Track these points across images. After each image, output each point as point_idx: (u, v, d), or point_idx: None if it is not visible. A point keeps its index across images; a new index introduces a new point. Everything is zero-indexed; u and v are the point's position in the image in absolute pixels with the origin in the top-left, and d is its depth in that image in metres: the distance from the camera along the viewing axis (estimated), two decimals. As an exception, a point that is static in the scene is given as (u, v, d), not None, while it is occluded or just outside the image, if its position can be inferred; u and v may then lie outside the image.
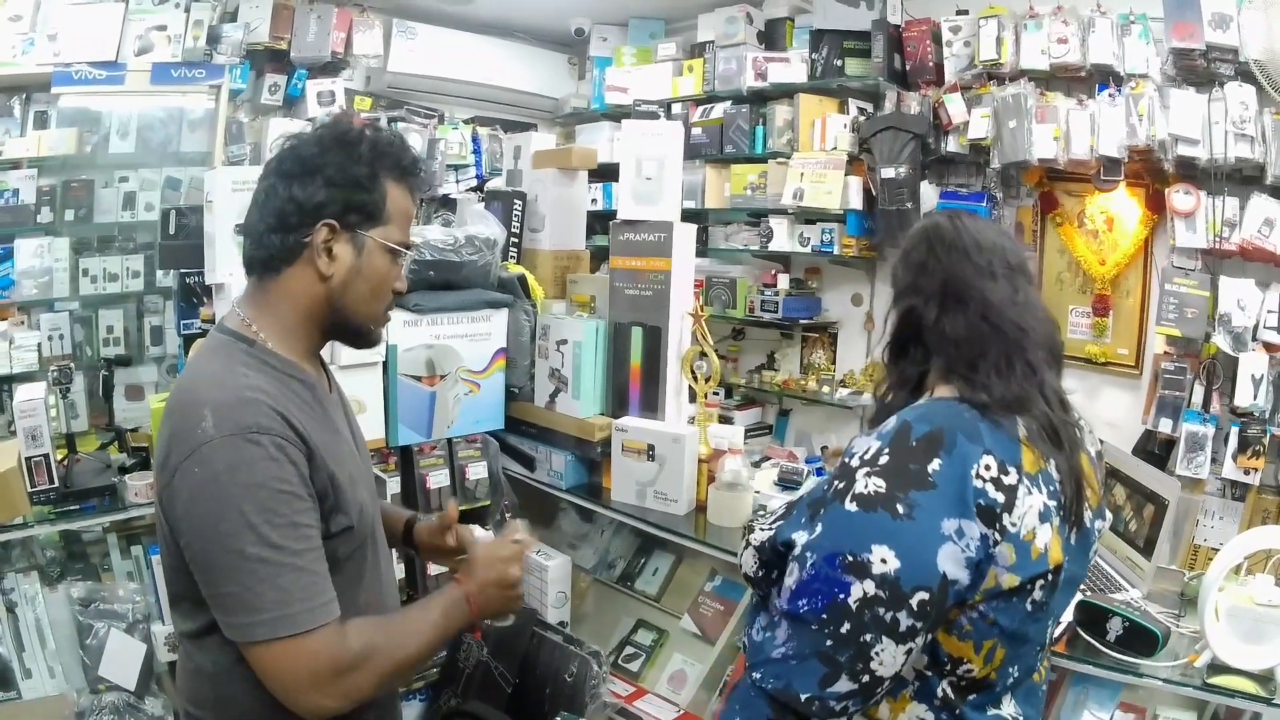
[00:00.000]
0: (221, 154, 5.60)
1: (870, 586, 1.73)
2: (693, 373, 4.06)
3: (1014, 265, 2.07)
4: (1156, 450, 4.95)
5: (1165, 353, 5.01)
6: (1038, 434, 1.90)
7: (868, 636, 1.74)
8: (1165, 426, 4.90)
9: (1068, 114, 5.07)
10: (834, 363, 6.62)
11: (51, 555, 4.29)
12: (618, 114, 6.75)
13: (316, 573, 1.93)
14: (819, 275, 6.59)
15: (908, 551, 1.74)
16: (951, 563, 1.74)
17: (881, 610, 1.73)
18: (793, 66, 6.14)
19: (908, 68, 5.78)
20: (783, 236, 6.15)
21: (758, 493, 3.99)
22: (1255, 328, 4.67)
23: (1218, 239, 4.72)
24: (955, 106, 5.43)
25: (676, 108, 6.72)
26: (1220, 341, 4.71)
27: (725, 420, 4.81)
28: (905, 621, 1.74)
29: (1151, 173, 5.05)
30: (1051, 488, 1.89)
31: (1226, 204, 4.69)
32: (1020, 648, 1.93)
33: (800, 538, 1.89)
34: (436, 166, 6.49)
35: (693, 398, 4.16)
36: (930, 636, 1.84)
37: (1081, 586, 3.26)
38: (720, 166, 6.52)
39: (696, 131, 6.51)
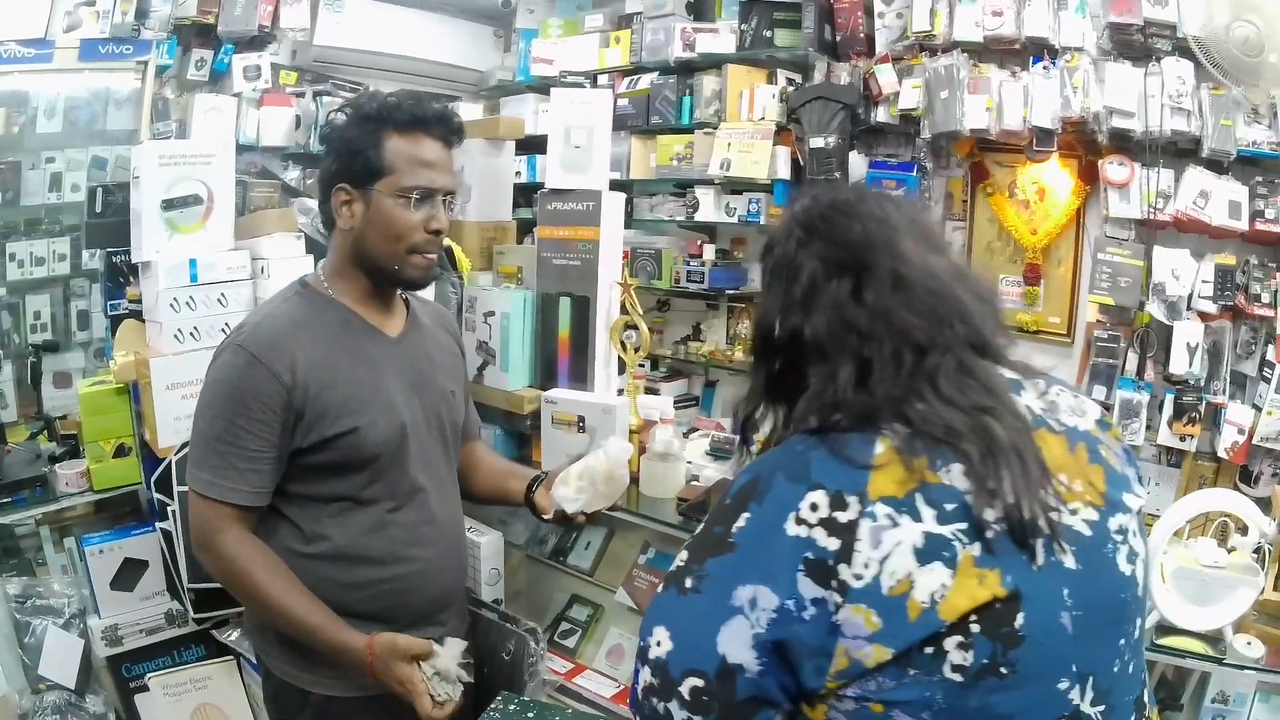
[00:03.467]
0: (148, 131, 5.27)
1: (648, 674, 1.45)
2: (622, 343, 3.89)
3: (900, 223, 1.60)
4: None
5: (1098, 321, 4.93)
6: (917, 437, 1.39)
7: None
8: (1099, 394, 4.81)
9: (1000, 85, 4.96)
10: (760, 332, 6.34)
11: (-17, 551, 4.04)
12: (543, 86, 6.47)
13: (232, 464, 2.35)
14: (745, 245, 6.39)
15: (682, 631, 1.42)
16: (736, 643, 1.36)
17: (655, 700, 1.43)
18: (721, 37, 5.92)
19: (838, 39, 5.60)
20: (709, 207, 5.97)
21: (689, 463, 3.87)
22: (1190, 297, 4.63)
23: (1152, 210, 4.66)
24: (886, 77, 5.27)
25: (603, 79, 6.50)
26: (1154, 310, 4.65)
27: (651, 392, 4.65)
28: (679, 715, 1.40)
29: (1084, 144, 4.97)
30: (952, 504, 1.33)
31: (1161, 176, 4.63)
32: None
33: None
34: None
35: (622, 369, 3.99)
36: None
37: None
38: (646, 138, 6.31)
39: (623, 103, 6.28)
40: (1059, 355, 5.29)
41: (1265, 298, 4.48)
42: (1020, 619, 1.31)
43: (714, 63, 5.99)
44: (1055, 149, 4.96)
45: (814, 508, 1.35)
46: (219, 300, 3.72)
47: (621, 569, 3.91)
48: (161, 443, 3.61)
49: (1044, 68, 4.85)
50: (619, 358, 3.95)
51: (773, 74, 5.82)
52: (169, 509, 3.57)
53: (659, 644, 1.43)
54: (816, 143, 5.37)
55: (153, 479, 3.66)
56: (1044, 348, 5.33)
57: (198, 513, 2.40)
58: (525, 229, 4.82)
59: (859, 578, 1.30)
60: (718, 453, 4.10)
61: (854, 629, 1.30)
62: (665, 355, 6.55)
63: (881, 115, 5.38)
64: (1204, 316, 4.58)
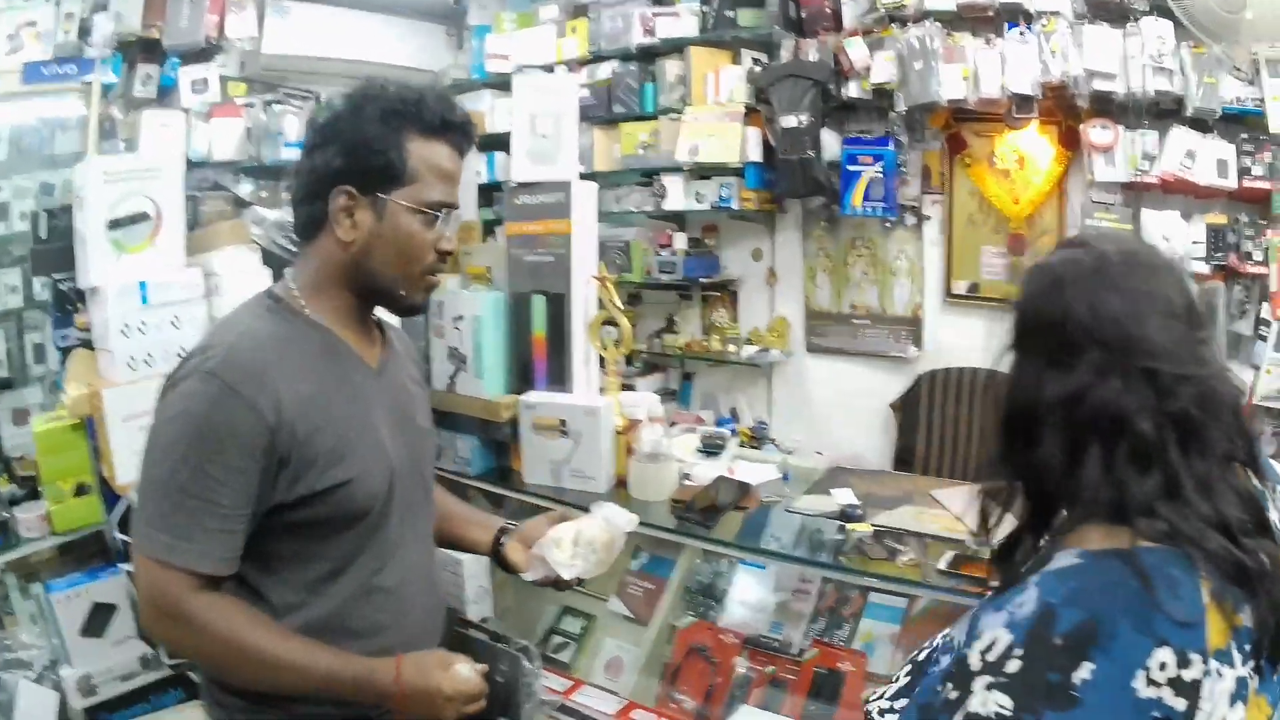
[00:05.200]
0: (95, 152, 5.05)
1: None
2: (601, 340, 3.71)
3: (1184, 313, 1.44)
4: None
5: None
6: (1224, 581, 1.31)
7: None
8: None
9: (976, 54, 4.88)
10: (736, 321, 6.31)
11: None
12: (499, 82, 6.34)
13: (200, 523, 1.89)
14: (716, 233, 6.27)
15: None
16: None
17: None
18: (683, 20, 5.76)
19: (804, 15, 5.48)
20: (677, 195, 5.81)
21: (680, 461, 3.72)
22: (1181, 259, 4.35)
23: (1138, 172, 4.62)
24: (857, 51, 5.15)
25: (560, 71, 6.25)
26: None
27: (628, 388, 4.46)
28: None
29: (1065, 109, 4.93)
30: (1247, 647, 1.31)
31: (1146, 137, 4.61)
32: None
33: None
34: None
35: (601, 366, 3.82)
36: None
37: None
38: (608, 128, 6.14)
39: (583, 94, 5.99)
40: None
41: (1257, 255, 4.46)
42: None
43: (676, 47, 5.83)
44: (1035, 115, 4.90)
45: (1162, 667, 1.23)
46: (172, 323, 3.55)
47: (613, 576, 3.73)
48: (120, 479, 3.46)
49: (1020, 33, 4.76)
50: (599, 355, 3.77)
51: (738, 55, 5.69)
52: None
53: None
54: (788, 122, 5.26)
55: (115, 519, 3.53)
56: None
57: (153, 581, 1.92)
58: (486, 230, 4.71)
59: None
60: (709, 449, 4.01)
61: None
62: (640, 350, 6.38)
63: (853, 91, 5.28)
64: (1197, 278, 4.48)
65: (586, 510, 2.53)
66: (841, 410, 5.95)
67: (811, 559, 3.18)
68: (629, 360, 6.10)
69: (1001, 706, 1.25)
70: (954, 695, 1.31)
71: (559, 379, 3.73)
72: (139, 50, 5.41)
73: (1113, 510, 1.35)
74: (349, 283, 2.12)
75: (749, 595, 3.58)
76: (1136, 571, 1.28)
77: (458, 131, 2.14)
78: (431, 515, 2.41)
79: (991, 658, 1.29)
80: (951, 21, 4.97)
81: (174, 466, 1.87)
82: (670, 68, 5.83)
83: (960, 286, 5.50)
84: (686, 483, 3.61)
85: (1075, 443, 1.38)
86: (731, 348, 6.01)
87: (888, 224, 5.59)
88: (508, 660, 3.08)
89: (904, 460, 5.52)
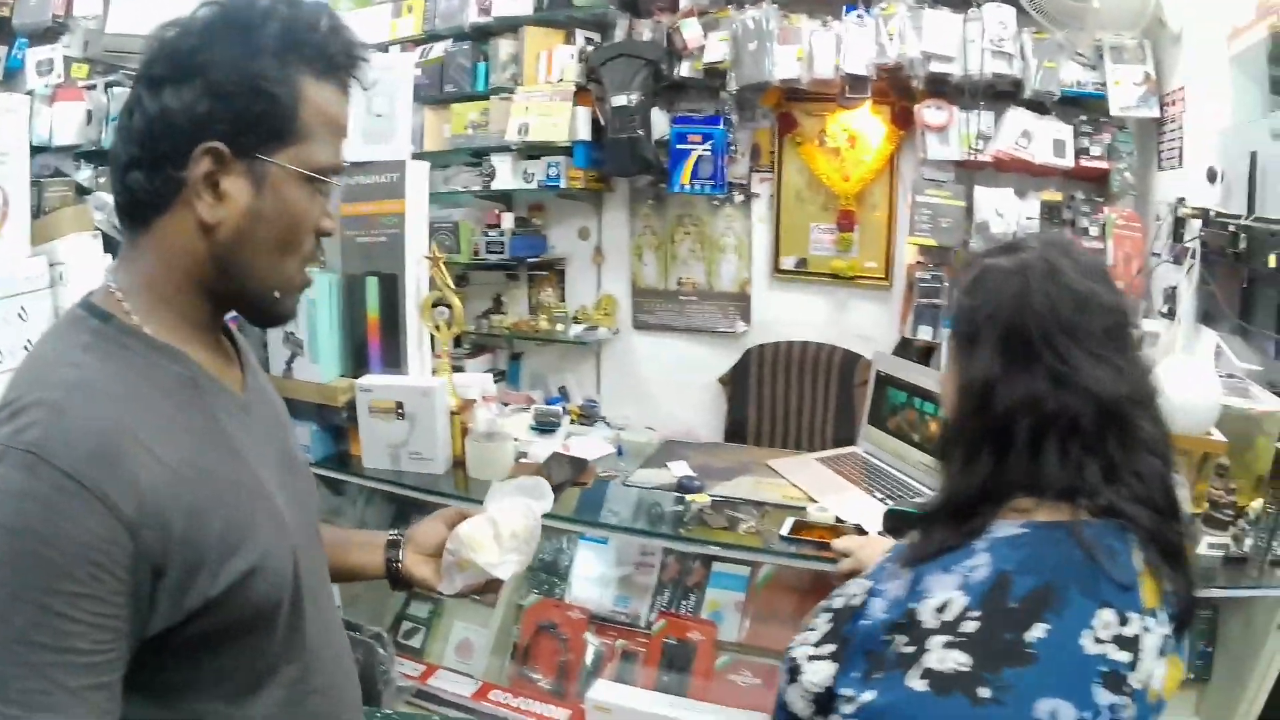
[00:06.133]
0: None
1: None
2: (433, 320, 3.67)
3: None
4: (915, 358, 4.83)
5: (918, 262, 5.02)
6: (1153, 552, 1.48)
7: None
8: (925, 334, 4.91)
9: (812, 35, 4.94)
10: (564, 300, 6.30)
11: None
12: None
13: (57, 681, 1.19)
14: (543, 212, 6.24)
15: None
16: None
17: None
18: (519, -1, 5.72)
19: None
20: (506, 174, 5.76)
21: (516, 440, 3.67)
22: (1014, 234, 4.63)
23: (972, 151, 4.76)
24: (691, 31, 5.18)
25: (395, 50, 6.06)
26: (978, 248, 4.65)
27: (457, 369, 4.41)
28: None
29: (898, 90, 5.03)
30: (1169, 611, 1.50)
31: (981, 117, 4.74)
32: None
33: (860, 698, 1.43)
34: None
35: (433, 348, 3.78)
36: None
37: (881, 495, 3.25)
38: (439, 108, 6.06)
39: (416, 73, 5.90)
40: (878, 300, 5.35)
41: (1094, 231, 4.60)
42: None
43: (511, 26, 5.78)
44: (869, 96, 4.97)
45: (1106, 625, 1.39)
46: (19, 315, 3.32)
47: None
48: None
49: (858, 16, 4.83)
50: (431, 336, 3.73)
51: (571, 34, 5.67)
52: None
53: None
54: (619, 101, 5.26)
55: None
56: (863, 293, 5.39)
57: None
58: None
59: (1140, 681, 1.39)
60: (543, 426, 3.98)
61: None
62: (468, 331, 6.25)
63: (686, 70, 5.30)
64: None
65: (480, 503, 2.08)
66: (671, 386, 6.00)
67: (654, 531, 3.19)
68: (457, 342, 6.06)
69: (960, 663, 1.34)
70: (908, 649, 1.39)
71: (393, 361, 3.67)
72: (-13, 32, 5.19)
73: (1062, 491, 1.46)
74: (206, 284, 1.47)
75: (592, 571, 3.58)
76: (1081, 543, 1.42)
77: (354, 70, 1.53)
78: (327, 572, 1.82)
79: (948, 617, 1.38)
80: (789, 3, 5.04)
81: (3, 609, 1.19)
82: (504, 47, 5.79)
83: (788, 262, 5.57)
84: (523, 460, 3.59)
85: (1036, 435, 1.46)
86: (559, 327, 6.00)
87: (715, 202, 5.63)
88: (362, 649, 3.04)
89: (735, 433, 5.58)
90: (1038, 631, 1.35)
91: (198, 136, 1.36)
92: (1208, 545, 2.76)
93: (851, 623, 1.53)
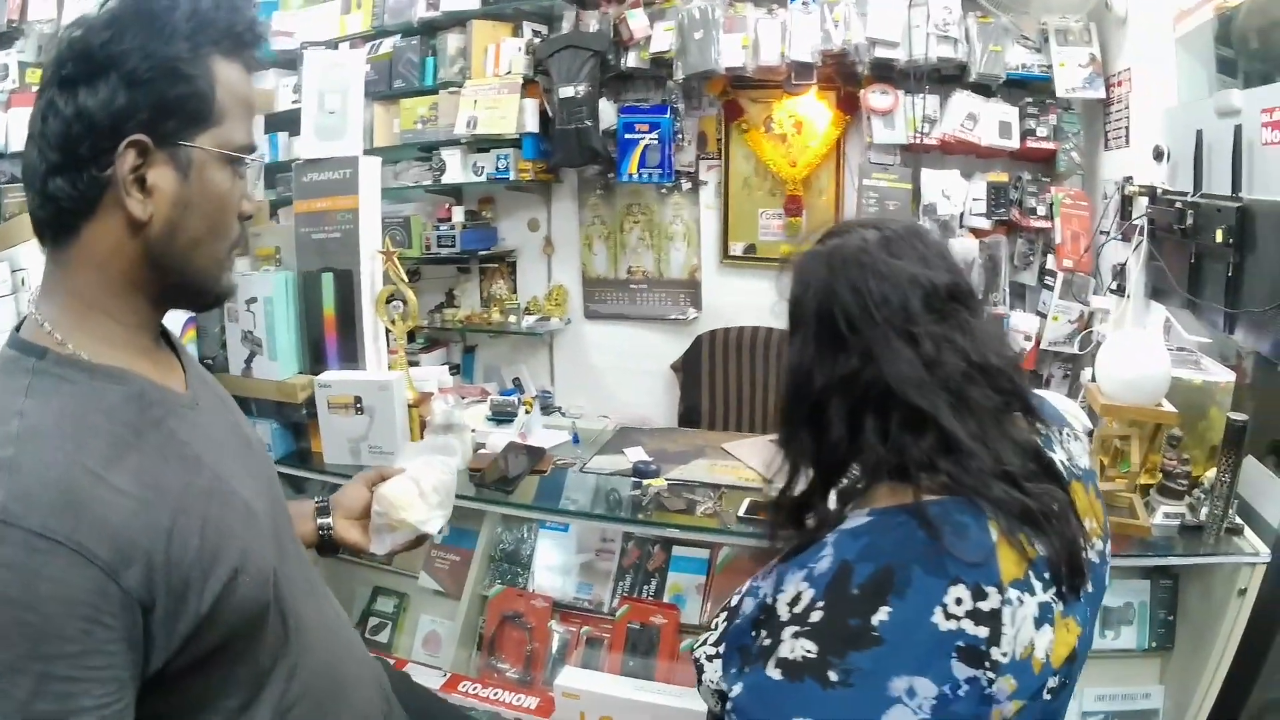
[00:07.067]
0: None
1: None
2: (388, 314, 3.67)
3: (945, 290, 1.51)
4: None
5: None
6: (1013, 520, 1.42)
7: None
8: None
9: (757, 23, 4.97)
10: (515, 291, 6.29)
11: None
12: (285, 60, 6.06)
13: None
14: (493, 205, 6.22)
15: None
16: None
17: None
18: (467, -8, 5.70)
19: None
20: (456, 168, 5.74)
21: (474, 431, 3.72)
22: (962, 215, 4.82)
23: (918, 135, 4.80)
24: (638, 22, 5.20)
25: (345, 46, 6.07)
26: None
27: (412, 364, 4.42)
28: None
29: (844, 75, 5.07)
30: (1046, 576, 1.45)
31: (927, 101, 4.78)
32: None
33: (732, 691, 1.45)
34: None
35: (388, 343, 3.78)
36: None
37: None
38: (389, 103, 6.01)
39: (365, 69, 5.89)
40: None
41: (1041, 210, 4.66)
42: (1078, 644, 1.49)
43: (458, 20, 5.76)
44: (814, 82, 5.00)
45: (959, 601, 1.35)
46: None
47: (419, 552, 3.51)
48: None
49: (804, 3, 4.86)
50: (386, 331, 3.73)
51: (518, 27, 5.66)
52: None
53: None
54: (566, 92, 5.26)
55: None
56: None
57: None
58: (273, 210, 4.53)
59: (1005, 654, 1.35)
60: (499, 417, 3.97)
61: (1002, 694, 1.35)
62: (422, 325, 6.26)
63: (632, 61, 5.31)
64: (977, 233, 4.76)
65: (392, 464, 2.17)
66: (624, 374, 6.02)
67: (613, 516, 3.23)
68: (412, 336, 6.06)
69: (808, 651, 1.33)
70: (767, 642, 1.40)
71: (351, 356, 3.67)
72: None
73: (896, 471, 1.46)
74: (142, 283, 1.44)
75: (553, 559, 3.59)
76: (923, 522, 1.39)
77: (258, 45, 1.51)
78: (299, 539, 1.82)
79: (798, 610, 1.39)
80: (735, -7, 5.08)
81: (4, 687, 1.14)
82: (452, 41, 5.77)
83: (737, 248, 5.61)
84: (481, 451, 3.62)
85: (853, 416, 1.47)
86: (511, 318, 6.01)
87: (663, 190, 5.66)
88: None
89: (689, 419, 5.62)
90: (881, 615, 1.34)
91: (118, 132, 1.33)
92: (1163, 515, 2.83)
93: (730, 622, 1.58)
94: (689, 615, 3.31)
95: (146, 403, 1.40)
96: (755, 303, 5.44)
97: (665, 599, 3.38)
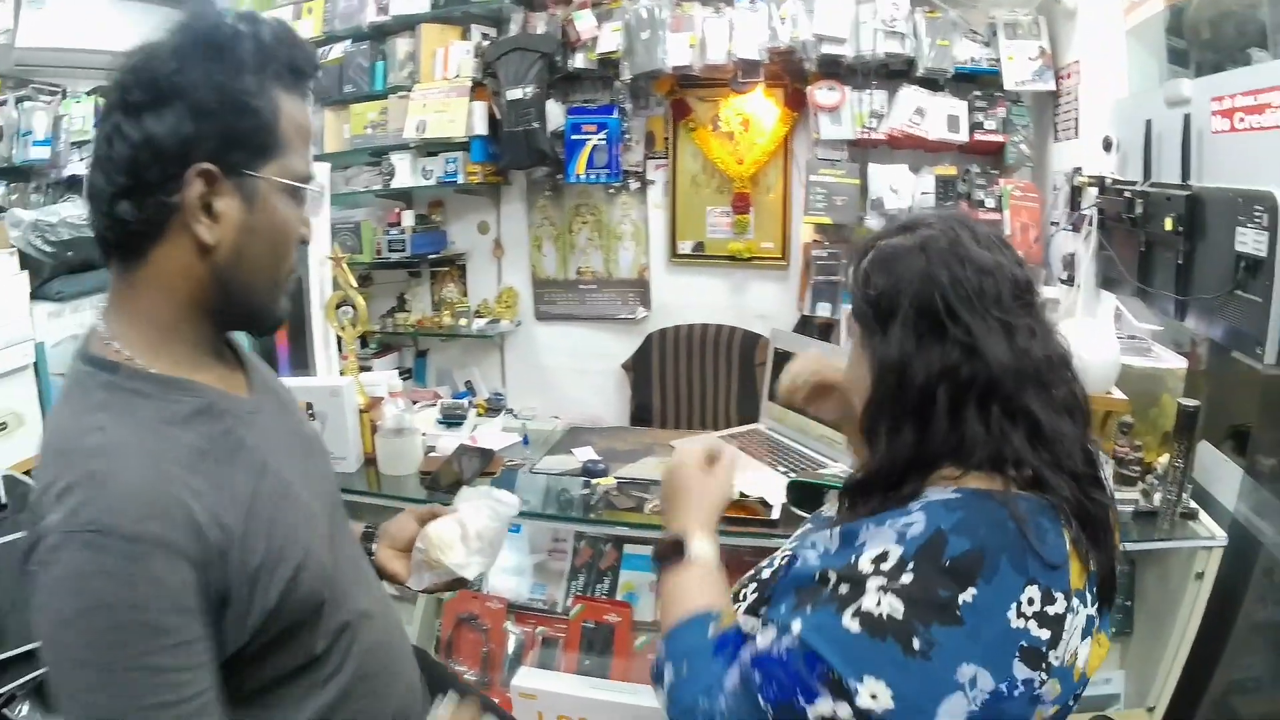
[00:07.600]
0: None
1: (844, 710, 1.32)
2: (338, 320, 3.66)
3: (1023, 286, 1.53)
4: (815, 335, 4.93)
5: (815, 241, 5.09)
6: (1079, 531, 1.44)
7: None
8: (824, 310, 4.98)
9: (704, 22, 4.98)
10: (466, 294, 6.30)
11: None
12: None
13: None
14: (442, 208, 6.23)
15: (907, 694, 1.32)
16: (950, 717, 1.32)
17: None
18: (415, -4, 5.71)
19: None
20: (405, 172, 5.74)
21: (424, 434, 3.70)
22: (910, 209, 4.75)
23: (865, 130, 4.82)
24: (585, 23, 5.20)
25: (295, 52, 6.06)
26: (874, 225, 4.72)
27: (365, 369, 4.42)
28: None
29: (791, 72, 5.10)
30: (1094, 590, 1.48)
31: (874, 96, 4.81)
32: None
33: (791, 625, 1.40)
34: (61, 146, 5.73)
35: (339, 348, 3.78)
36: None
37: (785, 469, 3.33)
38: (339, 109, 6.00)
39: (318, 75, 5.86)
40: (776, 279, 5.43)
41: (990, 202, 4.68)
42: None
43: (408, 24, 5.76)
44: (761, 80, 5.01)
45: (1031, 602, 1.36)
46: None
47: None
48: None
49: (750, 1, 4.88)
50: (337, 337, 3.73)
51: (467, 30, 5.66)
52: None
53: (874, 696, 1.31)
54: (514, 94, 5.27)
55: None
56: (761, 274, 5.46)
57: None
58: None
59: (1059, 659, 1.37)
60: (449, 420, 4.00)
61: (1048, 696, 1.38)
62: (373, 330, 6.26)
63: (580, 62, 5.30)
64: None
65: (449, 504, 2.15)
66: (575, 374, 6.04)
67: (563, 515, 3.24)
68: (363, 341, 6.04)
69: (894, 611, 1.32)
70: (843, 590, 1.37)
71: (301, 363, 3.67)
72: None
73: (988, 460, 1.44)
74: (209, 305, 1.48)
75: (507, 560, 3.58)
76: (1013, 515, 1.38)
77: (315, 78, 1.58)
78: (352, 535, 1.93)
79: (885, 567, 1.36)
80: (682, -8, 5.09)
81: (122, 684, 1.25)
82: (401, 45, 5.77)
83: (685, 246, 5.62)
84: (432, 454, 3.61)
85: (955, 406, 1.45)
86: (462, 321, 6.01)
87: (611, 190, 5.66)
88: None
89: (640, 418, 5.66)
90: (967, 595, 1.33)
91: (186, 159, 1.36)
92: (1117, 501, 2.83)
93: (786, 571, 1.55)
94: (642, 612, 3.32)
95: (215, 413, 1.47)
96: (704, 301, 5.55)
97: (618, 597, 3.39)
